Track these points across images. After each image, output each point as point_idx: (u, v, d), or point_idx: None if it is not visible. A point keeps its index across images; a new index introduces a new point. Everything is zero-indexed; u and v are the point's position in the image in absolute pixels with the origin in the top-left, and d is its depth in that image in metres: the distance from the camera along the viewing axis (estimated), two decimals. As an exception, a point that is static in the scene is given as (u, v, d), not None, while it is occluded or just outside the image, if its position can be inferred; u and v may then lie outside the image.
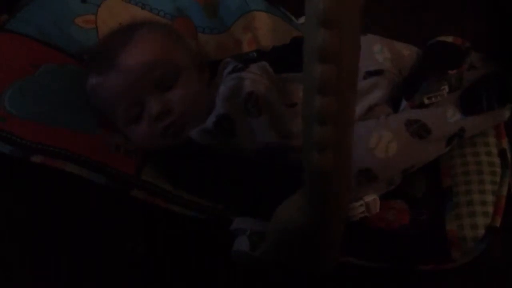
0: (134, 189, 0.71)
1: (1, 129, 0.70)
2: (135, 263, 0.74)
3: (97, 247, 0.74)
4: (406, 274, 0.70)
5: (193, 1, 0.97)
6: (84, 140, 0.76)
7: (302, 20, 1.02)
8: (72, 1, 0.91)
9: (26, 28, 0.84)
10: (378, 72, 0.78)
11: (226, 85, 0.77)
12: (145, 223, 0.74)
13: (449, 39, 0.82)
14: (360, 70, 0.77)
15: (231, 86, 0.76)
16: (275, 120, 0.75)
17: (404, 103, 0.76)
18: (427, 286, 0.73)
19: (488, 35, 1.02)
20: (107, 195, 0.70)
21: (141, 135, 0.76)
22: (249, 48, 0.96)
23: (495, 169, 0.75)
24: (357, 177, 0.68)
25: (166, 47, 0.79)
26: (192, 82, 0.78)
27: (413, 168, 0.73)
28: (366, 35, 0.83)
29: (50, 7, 0.88)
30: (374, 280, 0.70)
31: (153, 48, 0.77)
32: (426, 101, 0.75)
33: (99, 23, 0.92)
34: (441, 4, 1.10)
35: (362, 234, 0.72)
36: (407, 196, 0.77)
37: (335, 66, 0.41)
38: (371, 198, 0.71)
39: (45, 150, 0.70)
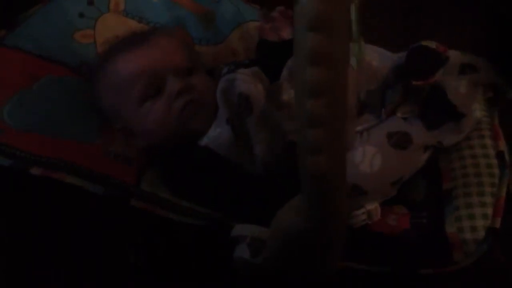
0: (133, 199, 0.71)
1: (0, 141, 0.71)
2: (136, 265, 0.74)
3: (97, 249, 0.75)
4: (407, 278, 0.70)
5: (190, 13, 0.98)
6: (83, 150, 0.77)
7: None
8: (70, 16, 0.92)
9: (24, 43, 0.85)
10: None
11: (220, 86, 0.79)
12: (146, 226, 0.75)
13: (433, 44, 0.81)
14: None
15: (223, 88, 0.78)
16: (267, 120, 0.75)
17: (382, 111, 0.77)
18: (428, 289, 0.72)
19: (486, 37, 1.02)
20: (107, 199, 0.71)
21: (157, 112, 0.77)
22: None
23: (493, 170, 0.75)
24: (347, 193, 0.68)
25: (185, 45, 0.84)
26: (205, 76, 0.82)
27: (402, 180, 0.74)
28: None
29: (49, 22, 0.90)
30: (376, 284, 0.70)
31: (178, 41, 0.83)
32: (399, 115, 0.76)
33: (97, 37, 0.93)
34: (440, 6, 1.11)
35: (363, 239, 0.72)
36: (407, 200, 0.77)
37: (326, 69, 0.41)
38: (373, 205, 0.72)
39: (45, 162, 0.71)
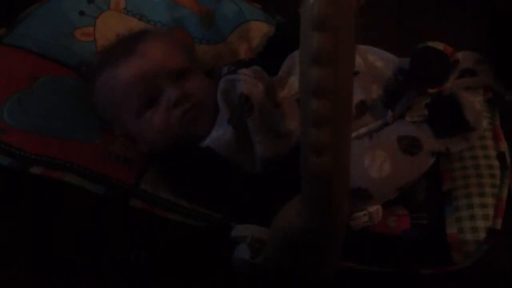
0: (132, 199, 0.71)
1: (0, 141, 0.71)
2: (136, 265, 0.74)
3: (98, 248, 0.74)
4: (408, 278, 0.70)
5: (190, 12, 0.98)
6: (83, 150, 0.77)
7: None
8: (70, 14, 0.92)
9: (24, 41, 0.85)
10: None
11: (220, 87, 0.78)
12: (146, 226, 0.75)
13: (440, 46, 0.80)
14: None
15: (224, 88, 0.78)
16: (267, 120, 0.75)
17: (389, 113, 0.76)
18: (429, 289, 0.72)
19: (486, 37, 1.02)
20: (107, 199, 0.71)
21: (157, 123, 0.76)
22: (245, 58, 0.97)
23: (494, 171, 0.75)
24: (352, 196, 0.68)
25: (178, 46, 0.83)
26: (202, 77, 0.81)
27: (407, 185, 0.73)
28: None
29: (49, 20, 0.89)
30: (376, 284, 0.70)
31: (170, 43, 0.82)
32: (408, 119, 0.75)
33: (97, 35, 0.93)
34: (440, 6, 1.10)
35: (363, 239, 0.72)
36: (407, 201, 0.77)
37: (331, 69, 0.41)
38: (375, 208, 0.72)
39: (45, 162, 0.71)
